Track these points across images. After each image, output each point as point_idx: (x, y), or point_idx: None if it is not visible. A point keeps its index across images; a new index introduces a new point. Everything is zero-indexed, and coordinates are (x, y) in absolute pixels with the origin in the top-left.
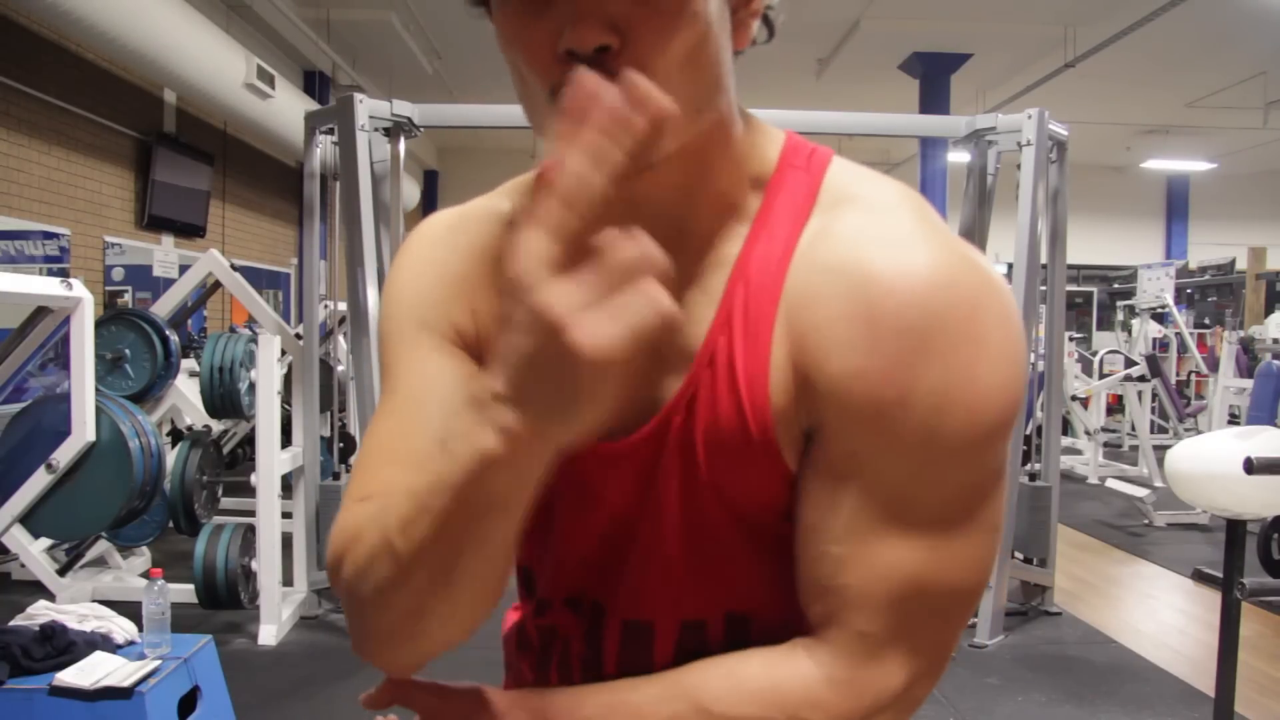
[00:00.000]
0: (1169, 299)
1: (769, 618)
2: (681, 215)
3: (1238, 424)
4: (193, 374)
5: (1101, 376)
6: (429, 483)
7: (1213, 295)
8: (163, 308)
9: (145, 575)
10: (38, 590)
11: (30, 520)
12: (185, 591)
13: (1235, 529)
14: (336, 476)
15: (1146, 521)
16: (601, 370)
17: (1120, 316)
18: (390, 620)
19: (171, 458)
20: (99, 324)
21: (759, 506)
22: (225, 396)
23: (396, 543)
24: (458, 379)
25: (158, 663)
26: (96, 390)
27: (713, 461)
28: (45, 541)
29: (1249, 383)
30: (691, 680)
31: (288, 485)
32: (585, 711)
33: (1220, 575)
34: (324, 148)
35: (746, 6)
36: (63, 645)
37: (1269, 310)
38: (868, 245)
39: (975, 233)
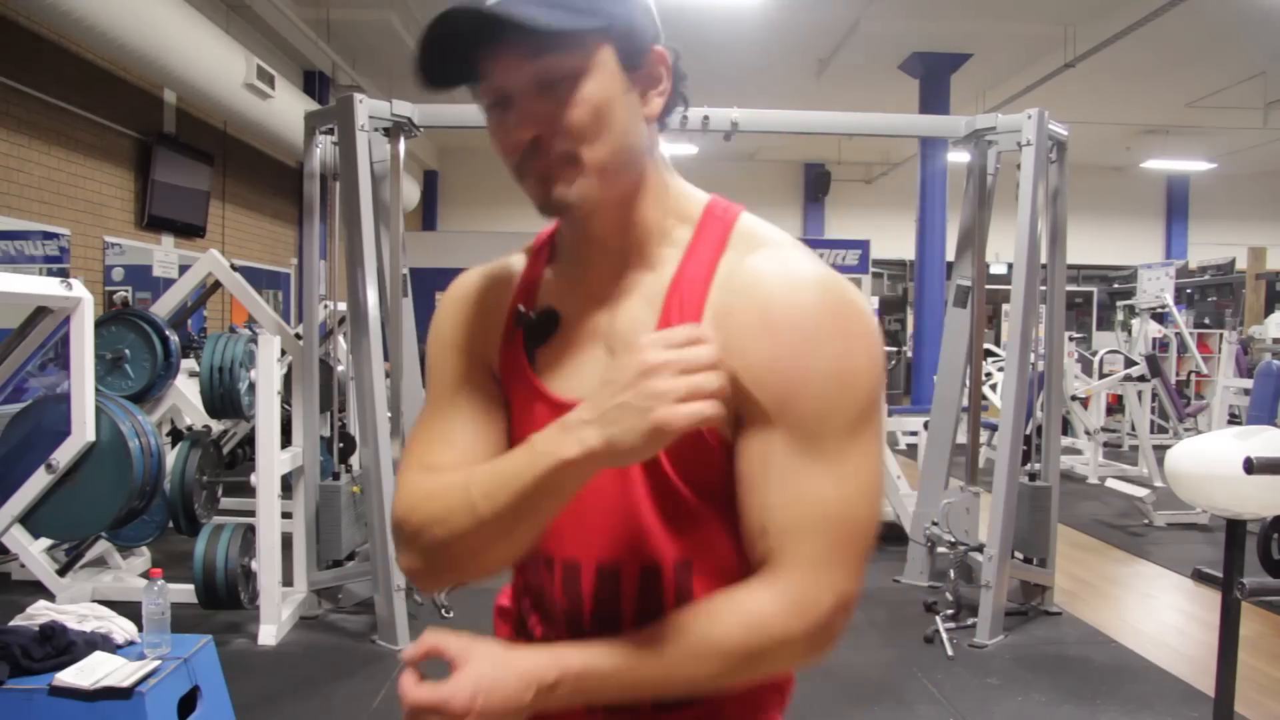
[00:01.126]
0: (1169, 299)
1: (704, 561)
2: (624, 241)
3: (1238, 424)
4: (193, 374)
5: (1101, 376)
6: (513, 469)
7: (1213, 295)
8: (163, 308)
9: (145, 575)
10: (38, 590)
11: (30, 520)
12: (185, 591)
13: (1235, 529)
14: (336, 476)
15: (1146, 521)
16: (669, 434)
17: (1120, 316)
18: (454, 555)
19: (171, 458)
20: (99, 324)
21: (687, 470)
22: (225, 396)
23: (479, 505)
24: (473, 383)
25: (158, 663)
26: (96, 390)
27: None
28: (45, 541)
29: (1249, 383)
30: (680, 623)
31: (288, 485)
32: (603, 662)
33: (1220, 575)
34: (324, 148)
35: (655, 88)
36: (63, 645)
37: (1269, 310)
38: (766, 275)
39: (975, 233)
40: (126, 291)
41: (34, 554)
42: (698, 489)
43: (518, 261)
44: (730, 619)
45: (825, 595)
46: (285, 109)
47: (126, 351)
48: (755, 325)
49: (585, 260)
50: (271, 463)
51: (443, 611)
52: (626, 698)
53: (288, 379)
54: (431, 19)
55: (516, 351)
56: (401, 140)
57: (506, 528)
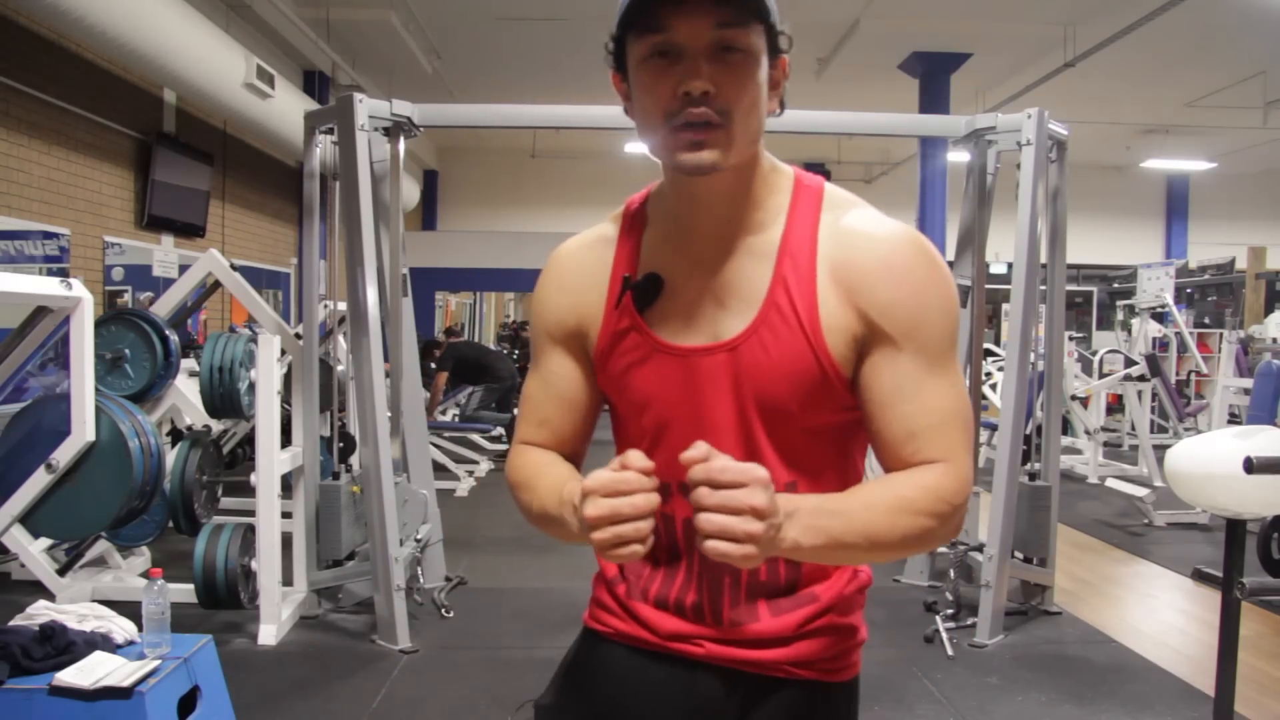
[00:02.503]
0: (1169, 298)
1: (807, 484)
2: (729, 209)
3: (1238, 424)
4: (193, 374)
5: (1101, 376)
6: (550, 509)
7: (1213, 295)
8: (163, 308)
9: (145, 575)
10: (38, 590)
11: (30, 520)
12: (185, 591)
13: (1235, 529)
14: (336, 476)
15: (1146, 521)
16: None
17: (1120, 316)
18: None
19: (171, 458)
20: (99, 324)
21: (807, 409)
22: (225, 396)
23: (536, 514)
24: (567, 366)
25: (157, 663)
26: (96, 390)
27: (765, 376)
28: (45, 541)
29: (1249, 382)
30: (879, 489)
31: (288, 485)
32: (829, 504)
33: (1220, 575)
34: (324, 147)
35: (777, 86)
36: (62, 645)
37: (1269, 310)
38: (875, 230)
39: (975, 232)
40: (126, 292)
41: (34, 554)
42: (809, 424)
43: (610, 230)
44: (919, 489)
45: (963, 476)
46: (285, 109)
47: (126, 351)
48: (879, 271)
49: (689, 224)
50: (271, 462)
51: (443, 612)
52: (844, 539)
53: (288, 379)
54: None
55: (628, 313)
56: (401, 140)
57: (552, 533)
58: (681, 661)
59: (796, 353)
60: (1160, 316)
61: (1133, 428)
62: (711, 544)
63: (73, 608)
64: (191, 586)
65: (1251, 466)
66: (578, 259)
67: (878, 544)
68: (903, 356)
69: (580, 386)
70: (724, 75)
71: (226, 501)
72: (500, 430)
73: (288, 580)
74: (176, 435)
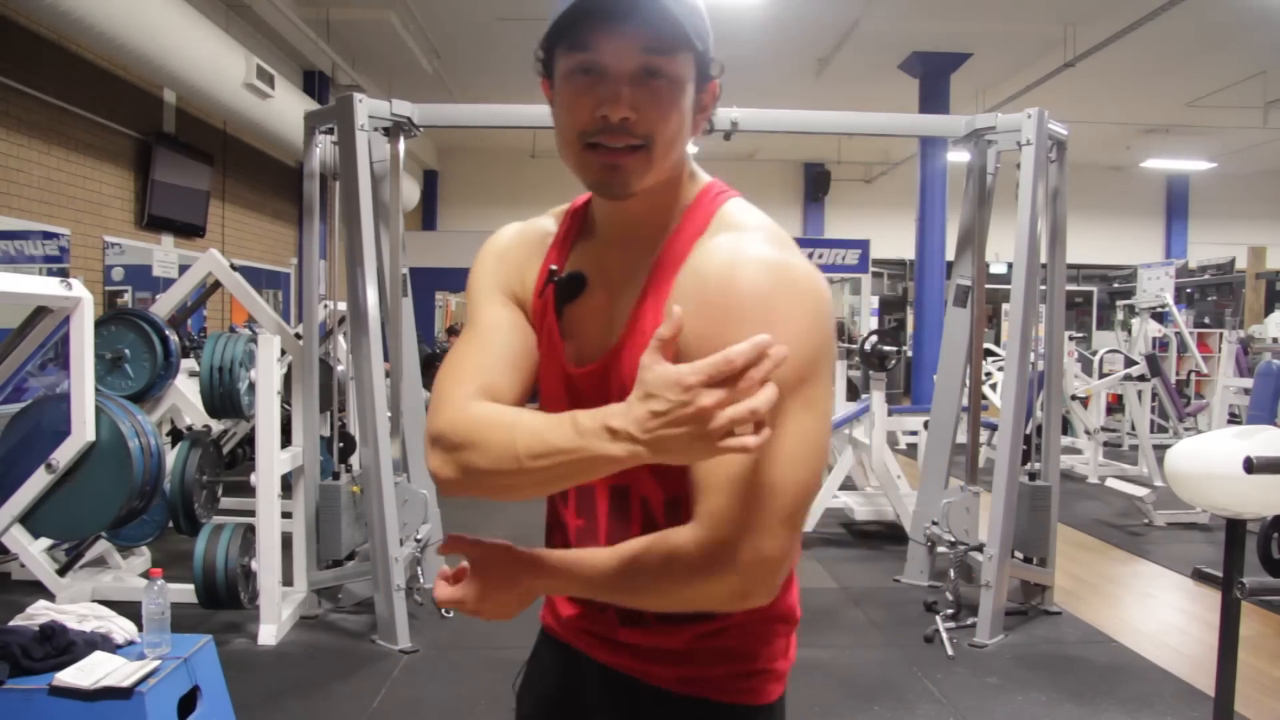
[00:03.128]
0: (1169, 298)
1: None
2: (638, 224)
3: (1238, 424)
4: (193, 374)
5: (1101, 376)
6: (559, 442)
7: (1213, 295)
8: (162, 308)
9: (145, 575)
10: (38, 590)
11: (30, 520)
12: (185, 591)
13: (1235, 528)
14: (336, 476)
15: (1146, 521)
16: (714, 450)
17: (1120, 316)
18: (488, 484)
19: (171, 458)
20: (99, 324)
21: None
22: (225, 396)
23: (524, 461)
24: (511, 320)
25: (157, 663)
26: (96, 390)
27: (631, 385)
28: (45, 541)
29: (1249, 382)
30: (624, 545)
31: (288, 485)
32: (556, 554)
33: (1220, 575)
34: (324, 147)
35: (704, 111)
36: (62, 645)
37: (1269, 310)
38: (713, 254)
39: (975, 232)
40: (126, 292)
41: (34, 554)
42: None
43: (549, 223)
44: (658, 551)
45: (739, 548)
46: (285, 109)
47: (126, 351)
48: (694, 300)
49: (609, 236)
50: (271, 462)
51: (443, 612)
52: (592, 595)
53: (288, 379)
54: None
55: (547, 307)
56: (401, 140)
57: (541, 481)
58: (578, 656)
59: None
60: (1160, 316)
61: (1133, 428)
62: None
63: (73, 608)
64: (191, 586)
65: (1251, 466)
66: (518, 241)
67: (617, 599)
68: None
69: (527, 344)
70: (647, 101)
71: (226, 501)
72: None
73: (288, 580)
74: (176, 435)
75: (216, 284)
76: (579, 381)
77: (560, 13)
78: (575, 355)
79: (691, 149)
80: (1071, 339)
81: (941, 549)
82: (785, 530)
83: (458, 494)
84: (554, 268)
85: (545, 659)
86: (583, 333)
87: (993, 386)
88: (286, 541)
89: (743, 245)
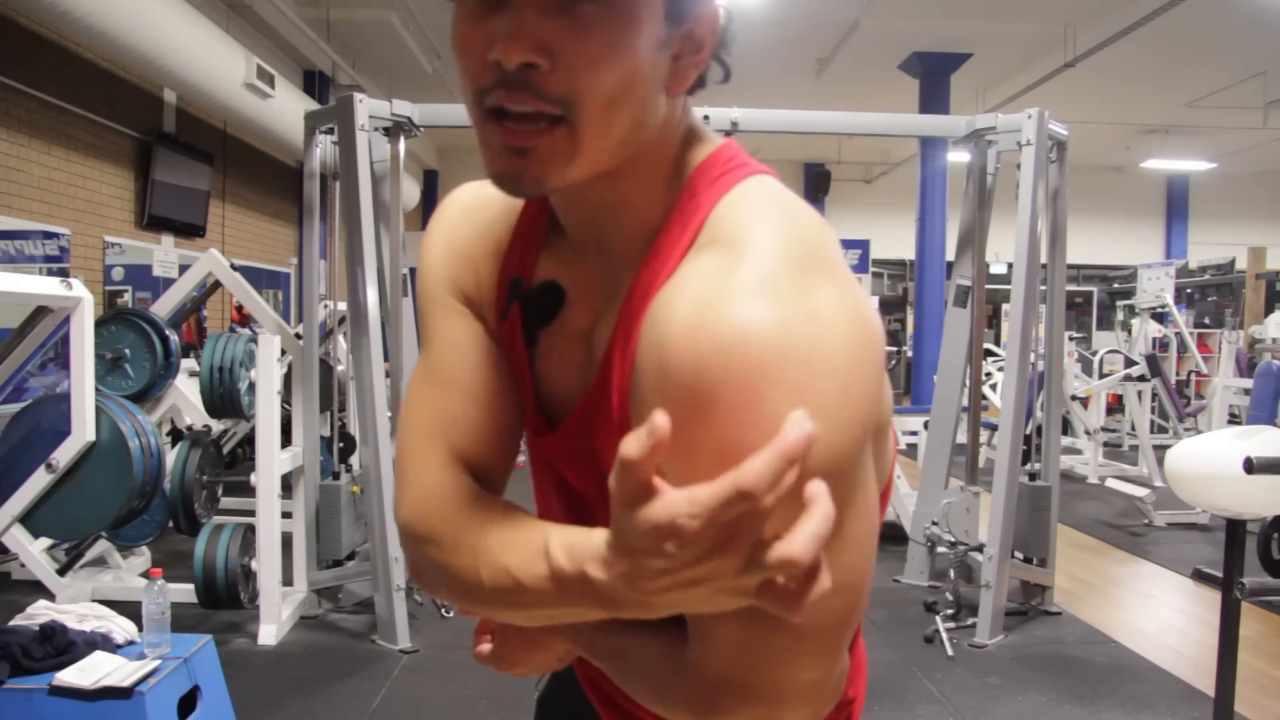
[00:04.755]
0: (1169, 299)
1: None
2: (602, 229)
3: (1238, 424)
4: (193, 374)
5: (1101, 376)
6: (529, 583)
7: (1213, 295)
8: (163, 308)
9: (145, 575)
10: (38, 590)
11: (30, 520)
12: (185, 591)
13: (1235, 529)
14: (336, 476)
15: (1146, 521)
16: (749, 600)
17: (1120, 316)
18: (452, 600)
19: (171, 458)
20: (99, 324)
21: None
22: (225, 396)
23: (487, 588)
24: (471, 339)
25: (158, 662)
26: (96, 390)
27: (599, 449)
28: (45, 541)
29: (1249, 382)
30: (639, 631)
31: (288, 485)
32: (596, 637)
33: (1220, 575)
34: (324, 147)
35: (692, 55)
36: (63, 645)
37: (1269, 310)
38: (677, 305)
39: (975, 232)
40: (126, 292)
41: (34, 554)
42: None
43: (515, 203)
44: (652, 668)
45: (757, 690)
46: (285, 109)
47: (126, 351)
48: (652, 373)
49: (579, 236)
50: (271, 462)
51: (443, 612)
52: (609, 673)
53: (288, 379)
54: None
55: (513, 329)
56: (401, 140)
57: (516, 616)
58: (586, 699)
59: (613, 425)
60: (1160, 317)
61: (1133, 428)
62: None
63: (73, 608)
64: (191, 586)
65: (1251, 466)
66: (468, 219)
67: (630, 689)
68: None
69: (495, 370)
70: (566, 39)
71: (226, 501)
72: None
73: (288, 580)
74: (176, 435)
75: (216, 284)
76: (547, 449)
77: None
78: (547, 397)
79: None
80: (1071, 339)
81: (941, 549)
82: (814, 682)
83: (424, 588)
84: (517, 279)
85: (565, 685)
86: (559, 368)
87: (993, 386)
88: (286, 541)
89: (728, 279)
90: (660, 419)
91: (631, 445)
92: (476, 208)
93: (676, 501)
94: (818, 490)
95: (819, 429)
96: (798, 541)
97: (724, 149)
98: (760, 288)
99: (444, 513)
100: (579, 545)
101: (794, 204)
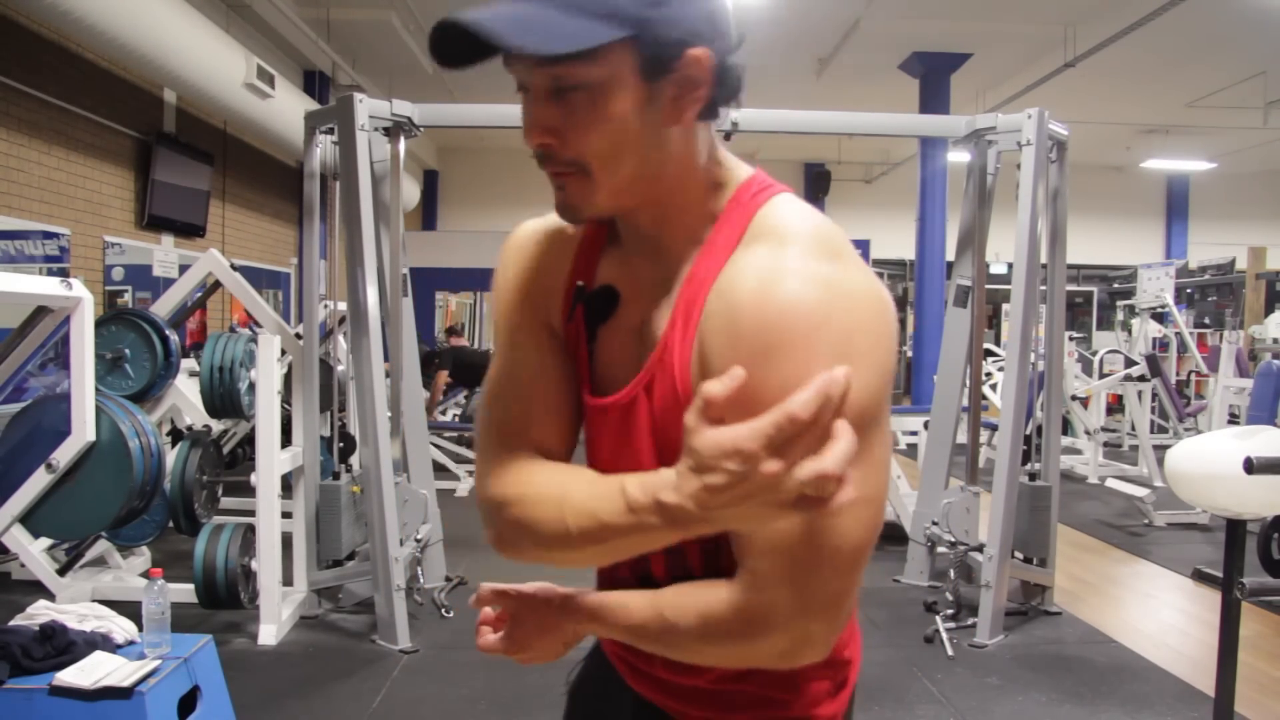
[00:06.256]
0: (1169, 299)
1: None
2: (657, 240)
3: (1238, 424)
4: (193, 374)
5: (1101, 376)
6: (610, 514)
7: (1213, 295)
8: (163, 308)
9: (145, 575)
10: (38, 590)
11: (30, 520)
12: (185, 591)
13: (1235, 529)
14: (336, 476)
15: (1146, 521)
16: (788, 513)
17: (1120, 316)
18: (542, 554)
19: (171, 458)
20: (99, 324)
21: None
22: (225, 396)
23: (577, 541)
24: (542, 348)
25: (158, 663)
26: (96, 390)
27: (664, 419)
28: (45, 541)
29: (1249, 383)
30: (661, 594)
31: (288, 485)
32: (592, 599)
33: (1220, 575)
34: (324, 147)
35: (691, 93)
36: (63, 645)
37: (1269, 310)
38: (744, 276)
39: (975, 232)
40: (126, 292)
41: (34, 554)
42: None
43: (572, 226)
44: (693, 608)
45: (785, 613)
46: (285, 109)
47: (126, 351)
48: (723, 333)
49: (635, 246)
50: (271, 462)
51: (443, 612)
52: (629, 642)
53: (288, 379)
54: (437, 23)
55: (577, 329)
56: (401, 140)
57: (602, 556)
58: (620, 679)
59: (673, 401)
60: (1160, 317)
61: (1133, 428)
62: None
63: (73, 608)
64: (191, 586)
65: (1251, 466)
66: (538, 244)
67: (658, 648)
68: None
69: (563, 376)
70: (564, 120)
71: (226, 501)
72: None
73: (288, 580)
74: (176, 435)
75: (216, 284)
76: (608, 413)
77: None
78: (601, 380)
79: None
80: (1071, 339)
81: (941, 549)
82: (839, 593)
83: (503, 551)
84: (581, 284)
85: (596, 666)
86: (612, 356)
87: (993, 387)
88: (286, 541)
89: (780, 261)
90: (738, 370)
91: (715, 386)
92: (545, 234)
93: (740, 429)
94: (843, 426)
95: (852, 375)
96: (829, 459)
97: (757, 175)
98: (806, 268)
99: (528, 479)
100: (650, 480)
101: (814, 211)
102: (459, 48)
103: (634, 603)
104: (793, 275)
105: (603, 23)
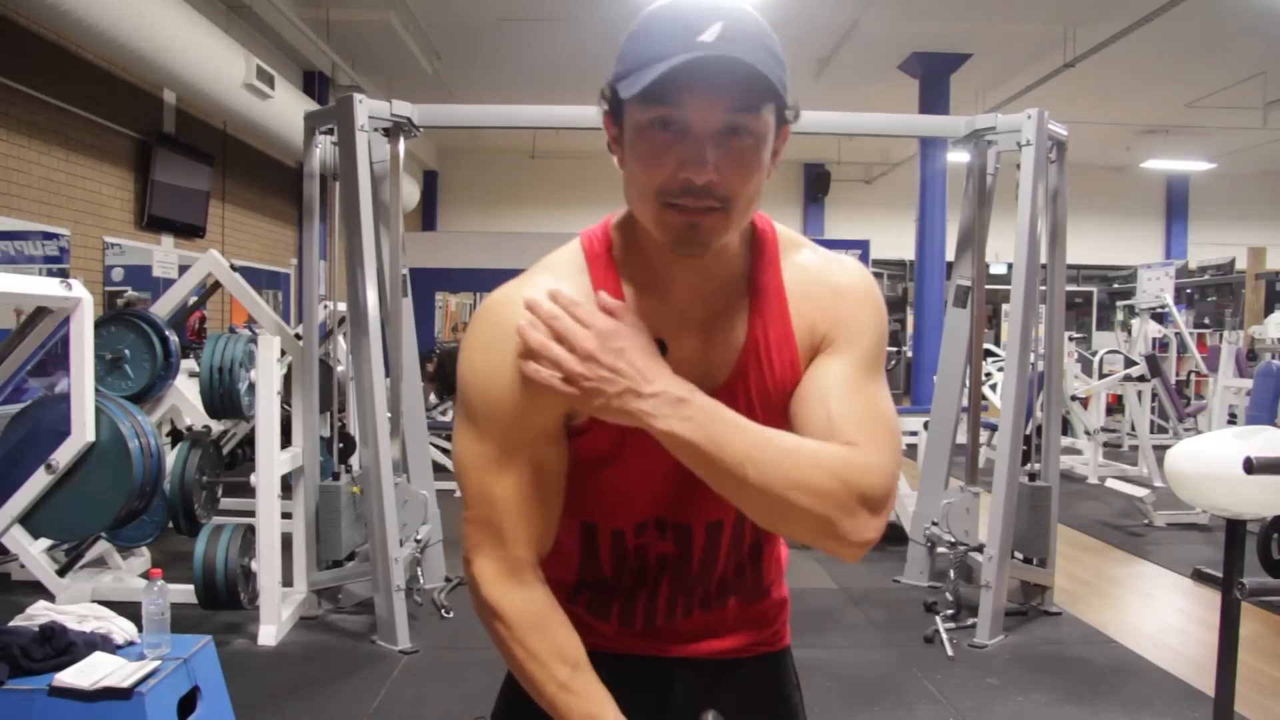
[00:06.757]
0: (1169, 299)
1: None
2: (711, 269)
3: (1237, 424)
4: (193, 374)
5: (1101, 376)
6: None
7: (1212, 295)
8: (163, 308)
9: (145, 575)
10: (37, 590)
11: (30, 520)
12: (185, 592)
13: (1235, 529)
14: (336, 476)
15: (1146, 521)
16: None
17: (1120, 316)
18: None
19: (171, 458)
20: (99, 324)
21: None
22: (225, 397)
23: (543, 692)
24: (551, 459)
25: (157, 663)
26: (96, 390)
27: (765, 409)
28: (45, 542)
29: (1249, 383)
30: (789, 436)
31: (287, 485)
32: (728, 414)
33: (1220, 575)
34: (324, 148)
35: (782, 143)
36: (62, 646)
37: (1269, 310)
38: (823, 265)
39: (975, 232)
40: (126, 292)
41: (34, 554)
42: None
43: (568, 280)
44: (831, 449)
45: (882, 464)
46: (285, 109)
47: (126, 351)
48: (829, 297)
49: (673, 281)
50: (271, 463)
51: (443, 612)
52: (725, 449)
53: (288, 379)
54: (671, 41)
55: None
56: (401, 140)
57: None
58: (644, 662)
59: (783, 380)
60: (1160, 317)
61: (1133, 428)
62: (532, 366)
63: (73, 608)
64: (191, 587)
65: (1251, 467)
66: (507, 345)
67: (761, 474)
68: (839, 360)
69: (562, 475)
70: (729, 161)
71: (226, 502)
72: None
73: (288, 581)
74: (176, 435)
75: (216, 284)
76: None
77: (650, 77)
78: None
79: None
80: (1071, 339)
81: (941, 549)
82: (897, 456)
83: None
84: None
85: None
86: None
87: (993, 387)
88: (286, 542)
89: (825, 256)
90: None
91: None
92: (509, 337)
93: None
94: None
95: (882, 316)
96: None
97: (761, 215)
98: (837, 258)
99: (530, 636)
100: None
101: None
102: (686, 79)
103: (756, 427)
104: (839, 262)
105: (782, 85)
